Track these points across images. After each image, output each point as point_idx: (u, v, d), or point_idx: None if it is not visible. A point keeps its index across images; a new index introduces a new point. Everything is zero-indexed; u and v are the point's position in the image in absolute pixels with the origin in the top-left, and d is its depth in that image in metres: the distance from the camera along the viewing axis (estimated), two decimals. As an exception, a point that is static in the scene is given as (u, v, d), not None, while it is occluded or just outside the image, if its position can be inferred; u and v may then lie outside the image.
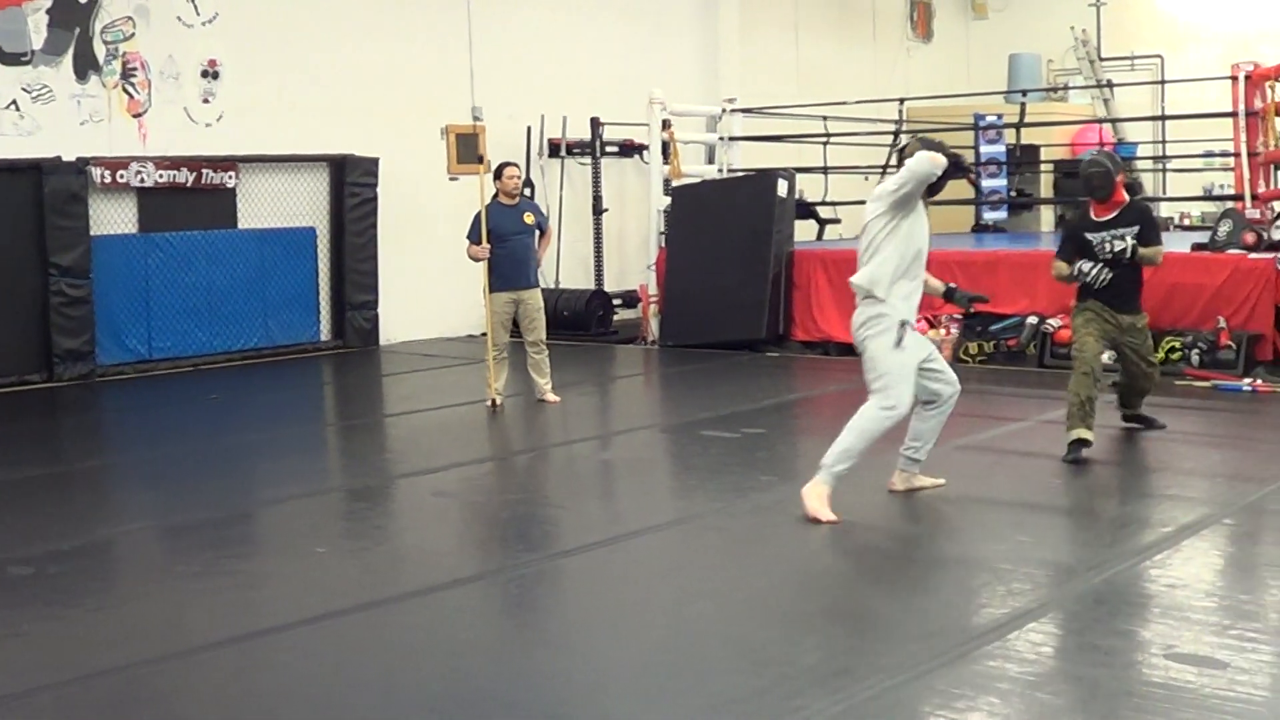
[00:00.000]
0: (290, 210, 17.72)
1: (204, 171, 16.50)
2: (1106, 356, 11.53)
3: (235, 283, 16.95)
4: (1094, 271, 10.54)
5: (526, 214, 13.37)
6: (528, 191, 18.13)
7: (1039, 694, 5.70)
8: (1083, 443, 10.28)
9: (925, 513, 8.99)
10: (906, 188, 8.72)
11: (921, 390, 9.09)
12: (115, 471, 11.35)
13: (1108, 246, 10.53)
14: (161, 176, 16.11)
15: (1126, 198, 10.76)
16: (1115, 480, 9.96)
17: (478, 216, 13.17)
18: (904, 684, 5.82)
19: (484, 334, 18.80)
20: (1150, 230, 10.72)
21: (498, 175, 13.46)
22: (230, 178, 16.81)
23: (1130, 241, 10.51)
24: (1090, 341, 10.56)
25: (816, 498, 8.67)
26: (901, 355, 8.79)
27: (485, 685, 5.97)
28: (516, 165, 13.75)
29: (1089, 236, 10.65)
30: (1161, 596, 7.12)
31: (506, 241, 13.11)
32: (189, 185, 16.38)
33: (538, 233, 13.49)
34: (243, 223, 17.18)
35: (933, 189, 8.99)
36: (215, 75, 16.89)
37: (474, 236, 13.20)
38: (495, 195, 13.40)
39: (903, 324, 8.77)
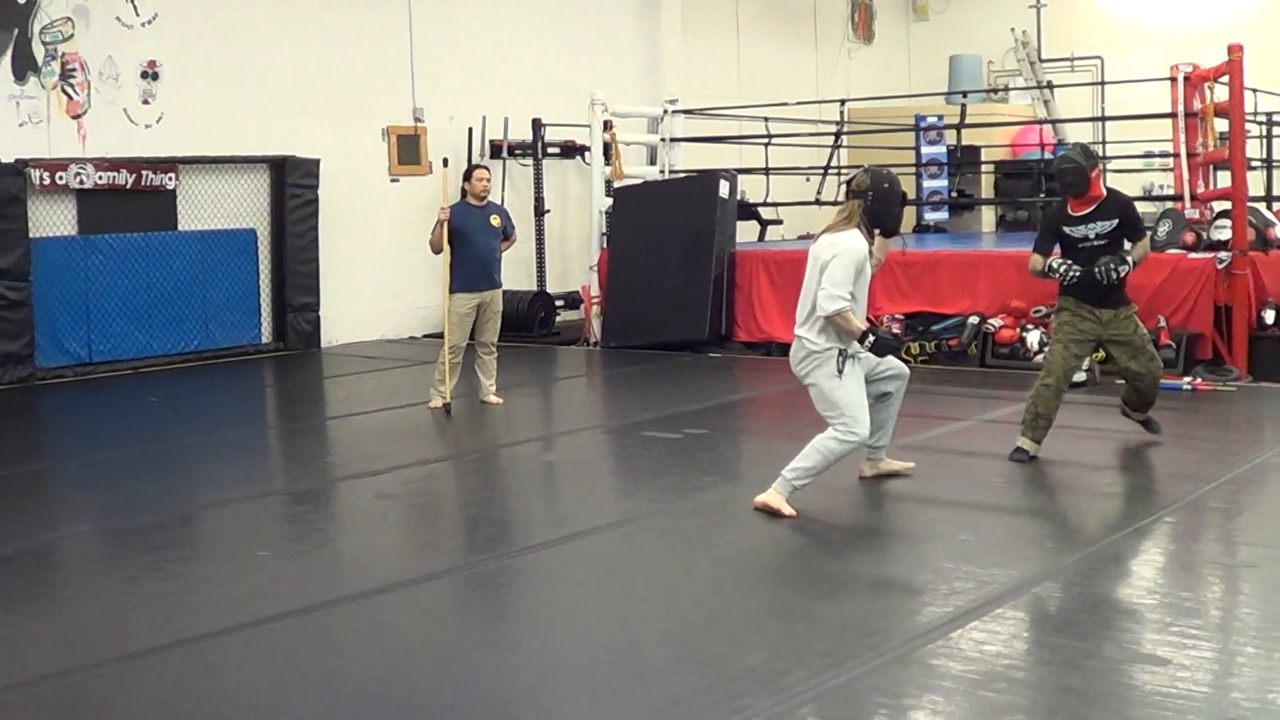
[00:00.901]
0: (231, 212, 17.64)
1: (144, 173, 16.40)
2: (1087, 363, 11.66)
3: (176, 285, 16.86)
4: (1063, 269, 10.31)
5: (493, 216, 13.32)
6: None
7: (982, 692, 5.71)
8: (1023, 452, 10.26)
9: (869, 512, 9.01)
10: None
11: (874, 392, 9.24)
12: (55, 475, 11.27)
13: (1093, 254, 10.22)
14: (101, 178, 16.00)
15: (1104, 191, 10.46)
16: (1057, 479, 9.98)
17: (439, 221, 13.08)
18: (848, 683, 5.83)
19: (427, 336, 18.90)
20: (1131, 223, 10.50)
21: (467, 177, 13.45)
22: (170, 179, 16.72)
23: (1126, 264, 10.24)
24: (1059, 351, 10.39)
25: (775, 498, 8.83)
26: (848, 384, 8.85)
27: (429, 687, 5.95)
28: (487, 169, 13.70)
29: (1067, 231, 10.46)
30: (1103, 594, 7.14)
31: (471, 242, 13.06)
32: (129, 187, 16.28)
33: (503, 235, 13.45)
34: (183, 224, 17.08)
35: (886, 228, 9.14)
36: (155, 76, 16.79)
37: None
38: (463, 196, 13.37)
39: (841, 354, 8.82)
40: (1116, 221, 10.37)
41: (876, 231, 9.10)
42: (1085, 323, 10.36)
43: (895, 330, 10.47)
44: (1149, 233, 10.39)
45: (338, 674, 6.16)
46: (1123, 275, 10.25)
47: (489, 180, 13.46)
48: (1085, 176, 10.26)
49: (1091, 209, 10.36)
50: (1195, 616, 6.74)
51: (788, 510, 8.73)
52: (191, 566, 8.22)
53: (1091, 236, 10.33)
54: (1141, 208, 24.07)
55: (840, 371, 8.81)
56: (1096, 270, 10.20)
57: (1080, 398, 13.07)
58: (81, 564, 8.51)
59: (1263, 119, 18.52)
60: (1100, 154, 23.76)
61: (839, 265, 8.72)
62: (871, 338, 8.81)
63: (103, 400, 14.69)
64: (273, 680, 6.14)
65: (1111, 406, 11.97)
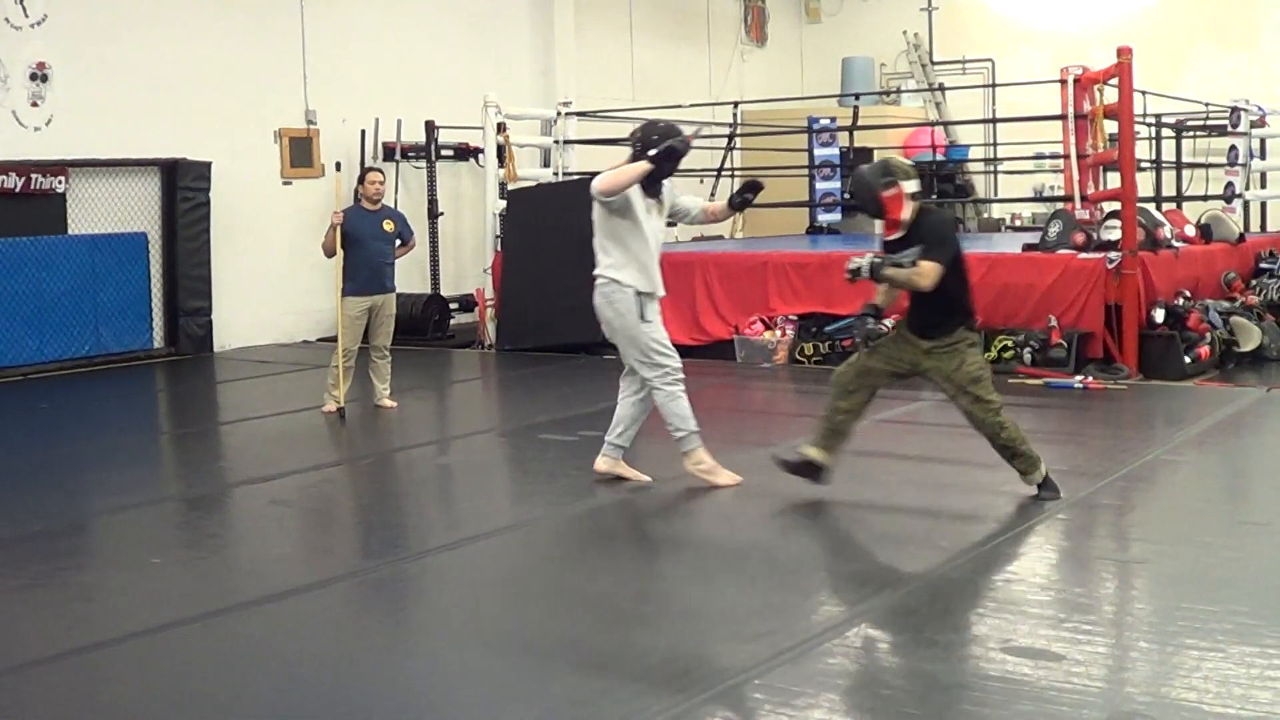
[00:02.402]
0: (121, 215, 17.46)
1: (33, 176, 16.20)
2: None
3: (65, 289, 16.65)
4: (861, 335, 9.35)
5: (387, 221, 13.25)
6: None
7: (879, 690, 5.75)
8: (808, 462, 9.32)
9: (762, 513, 9.03)
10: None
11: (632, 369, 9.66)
12: (-58, 483, 11.13)
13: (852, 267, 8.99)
14: (-12, 182, 15.82)
15: (905, 216, 8.89)
16: (950, 477, 10.06)
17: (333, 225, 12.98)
18: (745, 683, 5.84)
19: (320, 340, 18.79)
20: (927, 244, 8.77)
21: (360, 180, 13.41)
22: (60, 183, 16.52)
23: (868, 262, 8.87)
24: (860, 359, 9.37)
25: (705, 466, 9.38)
26: (647, 327, 9.42)
27: (326, 693, 5.92)
28: (380, 171, 13.64)
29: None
30: (997, 591, 7.21)
31: (363, 247, 12.98)
32: (17, 190, 16.07)
33: (398, 241, 13.37)
34: (73, 228, 16.89)
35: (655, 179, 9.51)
36: (44, 78, 16.58)
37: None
38: (356, 200, 13.31)
39: (639, 294, 9.37)
40: (921, 247, 8.79)
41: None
42: (901, 348, 9.19)
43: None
44: (938, 260, 8.61)
45: (233, 681, 6.11)
46: (851, 269, 8.95)
47: (382, 183, 13.39)
48: (873, 195, 8.93)
49: (899, 235, 8.96)
50: (1089, 612, 6.81)
51: (727, 477, 9.47)
52: (83, 575, 8.14)
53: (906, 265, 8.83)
54: (1033, 209, 24.49)
55: (642, 313, 9.38)
56: (854, 330, 9.57)
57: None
58: (-30, 573, 8.40)
59: (1151, 121, 18.76)
60: (993, 155, 24.13)
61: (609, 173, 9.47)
62: (650, 152, 9.37)
63: (-9, 407, 14.51)
64: (168, 689, 6.08)
65: (1004, 405, 12.06)
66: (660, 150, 9.33)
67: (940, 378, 9.01)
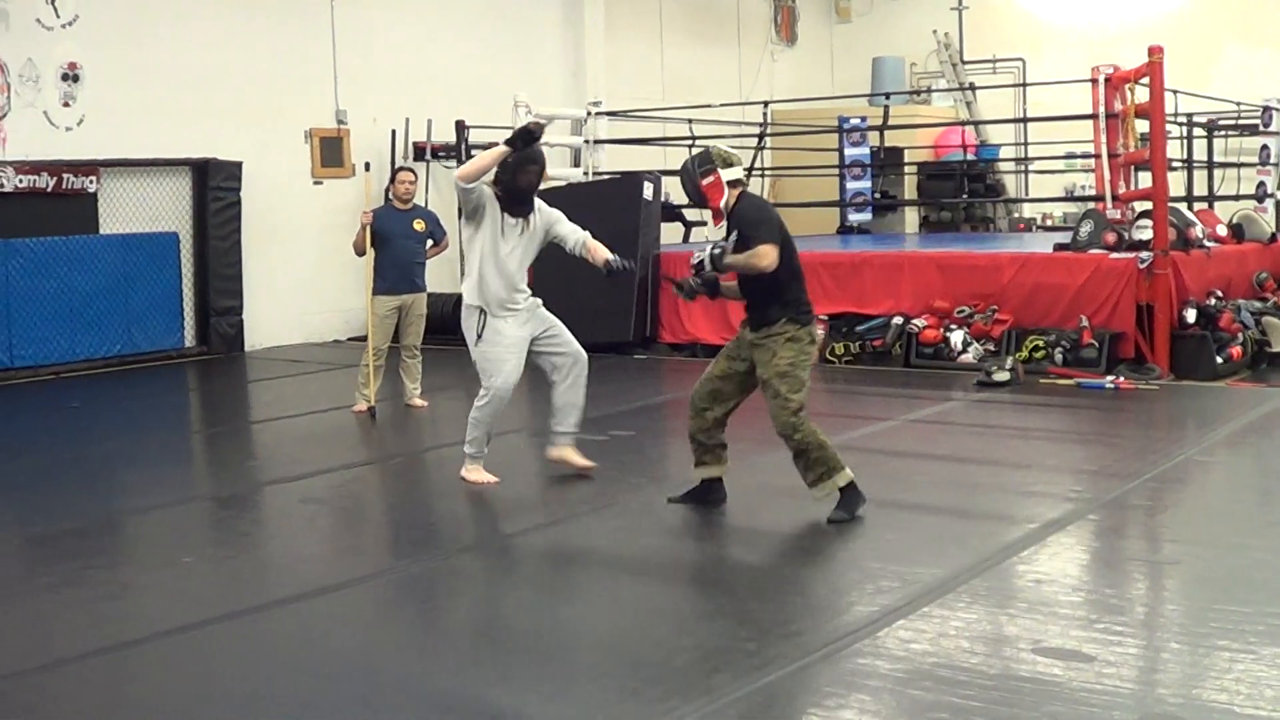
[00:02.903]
0: (153, 215, 17.52)
1: (65, 176, 16.26)
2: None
3: (97, 289, 16.72)
4: (685, 288, 9.07)
5: (418, 220, 13.26)
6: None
7: (910, 690, 5.73)
8: (707, 484, 9.10)
9: (794, 512, 9.01)
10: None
11: (546, 365, 10.11)
12: (-25, 482, 11.16)
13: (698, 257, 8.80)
14: (21, 181, 15.85)
15: (724, 203, 8.68)
16: (982, 478, 10.02)
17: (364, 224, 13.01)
18: (775, 683, 5.83)
19: (351, 339, 18.82)
20: (743, 234, 8.56)
21: (392, 179, 13.46)
22: (91, 182, 16.58)
23: (709, 253, 8.68)
24: (700, 381, 9.06)
25: (473, 472, 9.92)
26: (482, 346, 9.79)
27: (355, 692, 5.92)
28: (412, 170, 13.66)
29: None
30: (1029, 592, 7.18)
31: (394, 246, 13.00)
32: (49, 190, 16.14)
33: (429, 240, 13.38)
34: (104, 228, 16.96)
35: (516, 197, 9.74)
36: (76, 78, 16.65)
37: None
38: (387, 199, 13.35)
39: (481, 312, 9.73)
40: (735, 235, 8.65)
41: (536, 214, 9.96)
42: (740, 341, 8.94)
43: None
44: (767, 240, 8.34)
45: (264, 680, 6.12)
46: (695, 264, 8.78)
47: (413, 183, 13.41)
48: (694, 184, 8.73)
49: (725, 223, 8.79)
50: (1120, 613, 6.78)
51: (486, 478, 9.90)
52: (114, 573, 8.16)
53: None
54: (1064, 208, 24.42)
55: (479, 333, 9.74)
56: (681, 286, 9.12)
57: (1004, 397, 13.17)
58: (2, 571, 8.40)
59: (1183, 120, 18.70)
60: (1024, 155, 24.08)
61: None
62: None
63: (23, 406, 14.55)
64: (198, 687, 6.09)
65: (1035, 405, 12.06)
66: (515, 132, 9.59)
67: (759, 369, 8.70)
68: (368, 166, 13.83)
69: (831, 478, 8.60)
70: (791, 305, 8.68)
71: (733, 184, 8.71)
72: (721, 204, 8.68)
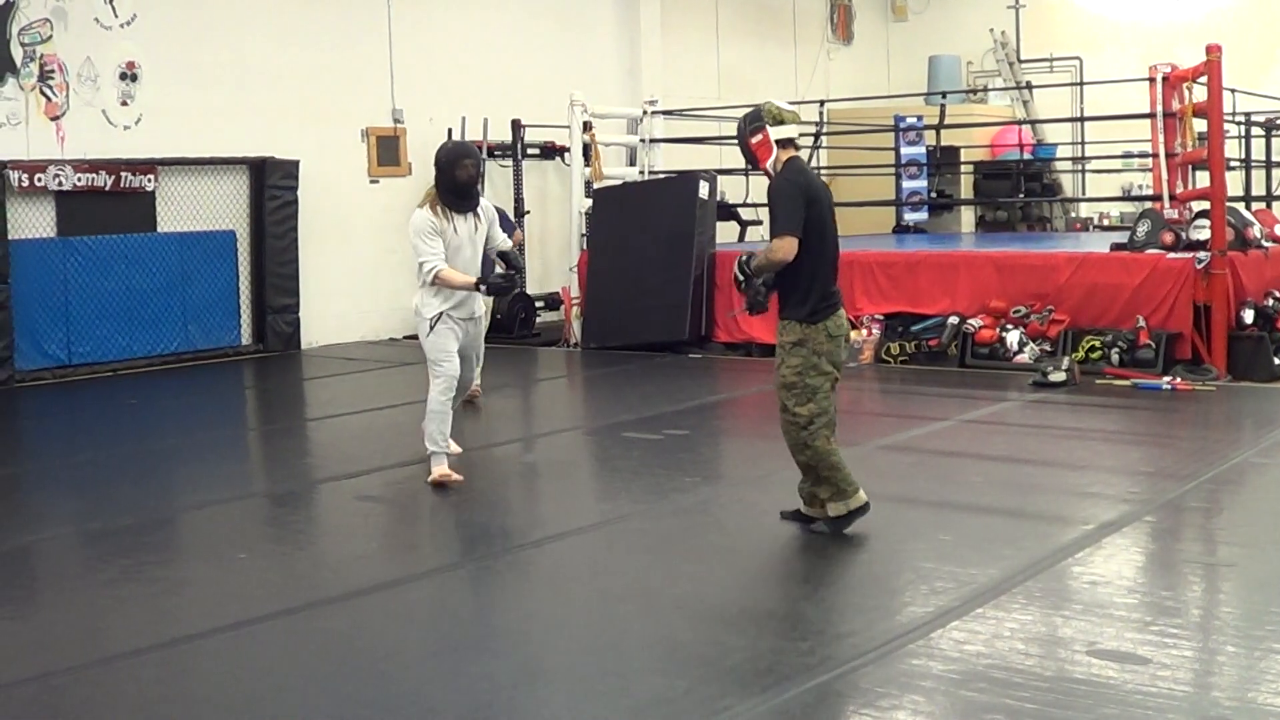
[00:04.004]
0: (210, 213, 17.59)
1: (123, 174, 16.36)
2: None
3: (155, 286, 16.81)
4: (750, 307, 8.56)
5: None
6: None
7: (963, 692, 5.72)
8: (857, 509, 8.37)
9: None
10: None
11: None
12: (33, 477, 11.23)
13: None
14: (80, 180, 15.95)
15: (769, 166, 8.40)
16: (1037, 479, 9.99)
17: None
18: (828, 683, 5.83)
19: (406, 337, 18.87)
20: (771, 223, 8.29)
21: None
22: (149, 181, 16.68)
23: (739, 263, 8.46)
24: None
25: (438, 472, 9.95)
26: (433, 338, 9.99)
27: (409, 689, 5.94)
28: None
29: None
30: (1084, 593, 7.16)
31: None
32: (108, 189, 16.24)
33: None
34: (162, 226, 17.04)
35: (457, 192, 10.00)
36: (134, 77, 16.75)
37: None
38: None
39: (438, 316, 9.94)
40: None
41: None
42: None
43: (506, 272, 10.13)
44: (782, 232, 8.09)
45: (318, 676, 6.15)
46: (755, 308, 8.45)
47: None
48: (744, 143, 8.48)
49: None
50: (1176, 615, 6.76)
51: (454, 477, 9.95)
52: (171, 569, 8.21)
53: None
54: (1121, 208, 24.34)
55: (430, 331, 9.97)
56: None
57: (1059, 398, 13.12)
58: (60, 567, 8.48)
59: (1241, 119, 18.57)
60: (1081, 154, 23.98)
61: (413, 239, 9.89)
62: (483, 286, 10.04)
63: (82, 402, 14.65)
64: (253, 683, 6.12)
65: (1091, 406, 12.00)
66: (490, 289, 10.35)
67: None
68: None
69: (844, 500, 8.24)
70: (804, 301, 8.20)
71: (782, 143, 8.34)
72: (769, 164, 8.32)
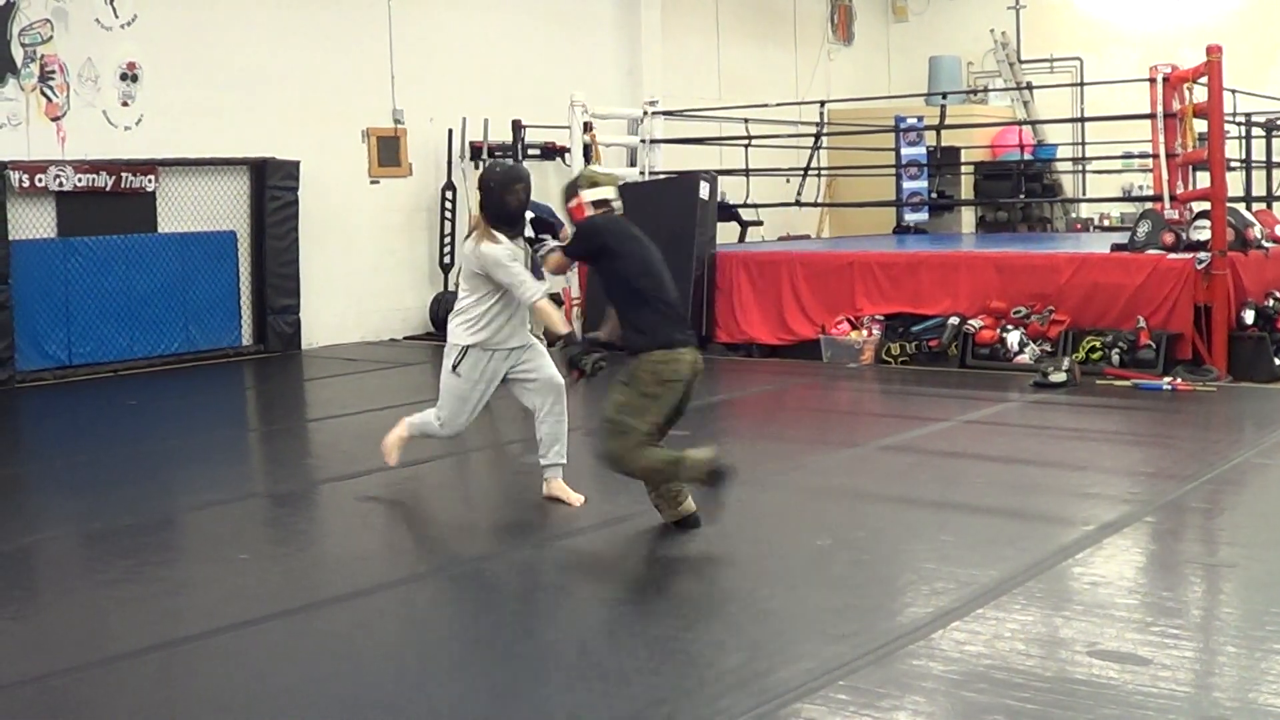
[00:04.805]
0: (211, 214, 17.59)
1: (123, 175, 16.36)
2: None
3: (156, 287, 16.81)
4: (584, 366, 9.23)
5: None
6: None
7: (963, 693, 5.72)
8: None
9: (849, 513, 9.01)
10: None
11: (524, 397, 9.82)
12: (34, 478, 11.22)
13: None
14: (80, 180, 15.96)
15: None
16: (1038, 479, 9.98)
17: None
18: (829, 684, 5.82)
19: (407, 338, 18.89)
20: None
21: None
22: (150, 181, 16.68)
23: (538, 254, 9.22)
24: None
25: (394, 436, 9.92)
26: (451, 379, 9.48)
27: (410, 690, 5.94)
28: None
29: None
30: (1084, 594, 7.16)
31: None
32: (108, 189, 16.24)
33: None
34: (163, 227, 17.04)
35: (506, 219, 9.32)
36: (134, 78, 16.76)
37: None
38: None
39: (465, 349, 9.38)
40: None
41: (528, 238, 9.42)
42: None
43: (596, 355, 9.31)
44: (563, 249, 9.01)
45: (319, 677, 6.15)
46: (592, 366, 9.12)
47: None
48: (565, 209, 9.09)
49: None
50: (1176, 616, 6.76)
51: (394, 454, 9.93)
52: (172, 570, 8.21)
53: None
54: (1122, 208, 24.37)
55: (455, 366, 9.41)
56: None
57: (1060, 398, 13.12)
58: (61, 567, 8.48)
59: (1241, 120, 18.56)
60: (1081, 155, 24.01)
61: (494, 271, 9.14)
62: (570, 355, 9.13)
63: (82, 403, 14.64)
64: (254, 683, 6.12)
65: (1091, 407, 11.99)
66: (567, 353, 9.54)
67: None
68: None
69: (695, 473, 8.20)
70: (635, 335, 8.61)
71: (597, 204, 8.83)
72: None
